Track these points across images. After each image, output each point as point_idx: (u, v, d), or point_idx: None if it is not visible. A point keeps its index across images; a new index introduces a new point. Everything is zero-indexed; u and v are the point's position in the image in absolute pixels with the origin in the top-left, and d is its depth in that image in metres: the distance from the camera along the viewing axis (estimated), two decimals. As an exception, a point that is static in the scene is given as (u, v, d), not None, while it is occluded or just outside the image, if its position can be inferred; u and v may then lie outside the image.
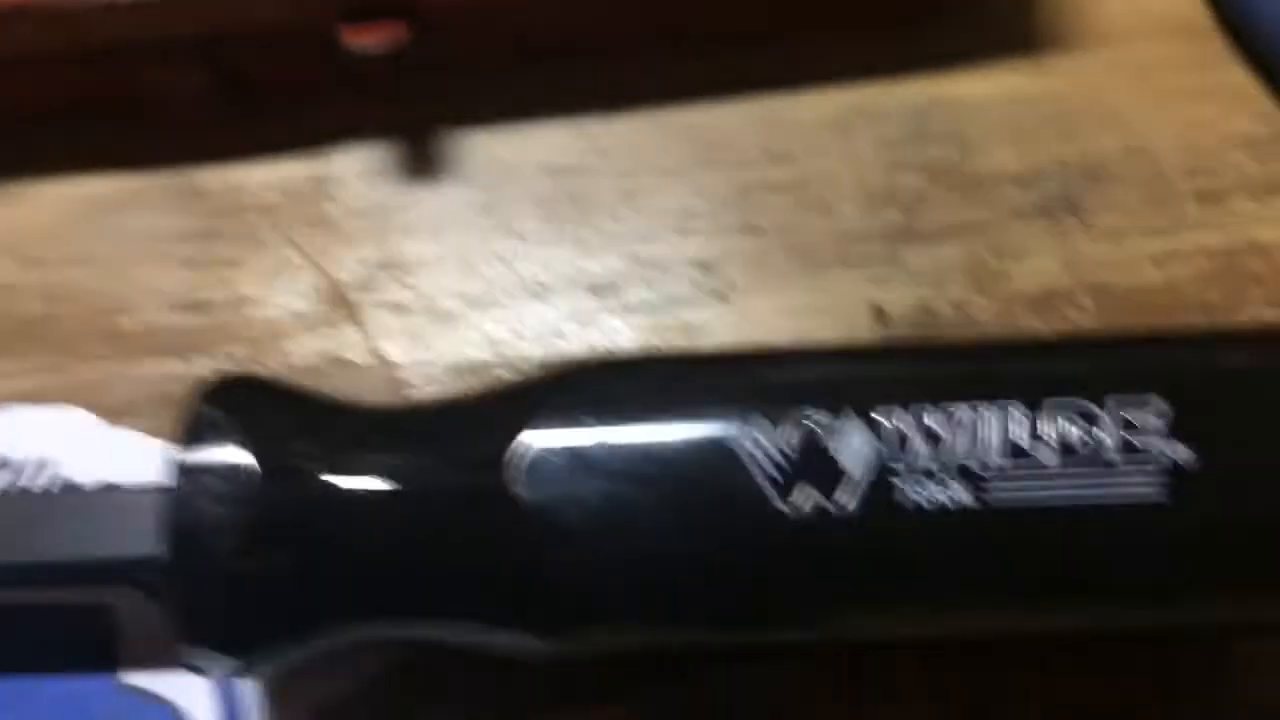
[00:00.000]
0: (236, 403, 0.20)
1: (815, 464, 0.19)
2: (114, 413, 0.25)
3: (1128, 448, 0.18)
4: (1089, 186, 0.26)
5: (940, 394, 0.19)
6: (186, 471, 0.19)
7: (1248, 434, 0.19)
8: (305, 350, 0.25)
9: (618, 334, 0.25)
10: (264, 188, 0.27)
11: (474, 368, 0.25)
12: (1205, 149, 0.26)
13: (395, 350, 0.25)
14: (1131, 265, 0.25)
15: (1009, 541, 0.19)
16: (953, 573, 0.19)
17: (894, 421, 0.19)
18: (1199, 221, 0.26)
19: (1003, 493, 0.18)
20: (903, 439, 0.19)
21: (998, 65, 0.27)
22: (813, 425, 0.19)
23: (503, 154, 0.27)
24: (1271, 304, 0.25)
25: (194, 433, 0.20)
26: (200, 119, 0.27)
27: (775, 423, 0.19)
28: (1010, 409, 0.19)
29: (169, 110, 0.27)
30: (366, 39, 0.24)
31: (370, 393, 0.25)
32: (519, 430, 0.19)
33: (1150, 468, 0.18)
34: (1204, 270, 0.25)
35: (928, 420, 0.19)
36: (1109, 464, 0.18)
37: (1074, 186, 0.26)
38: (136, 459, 0.24)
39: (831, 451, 0.19)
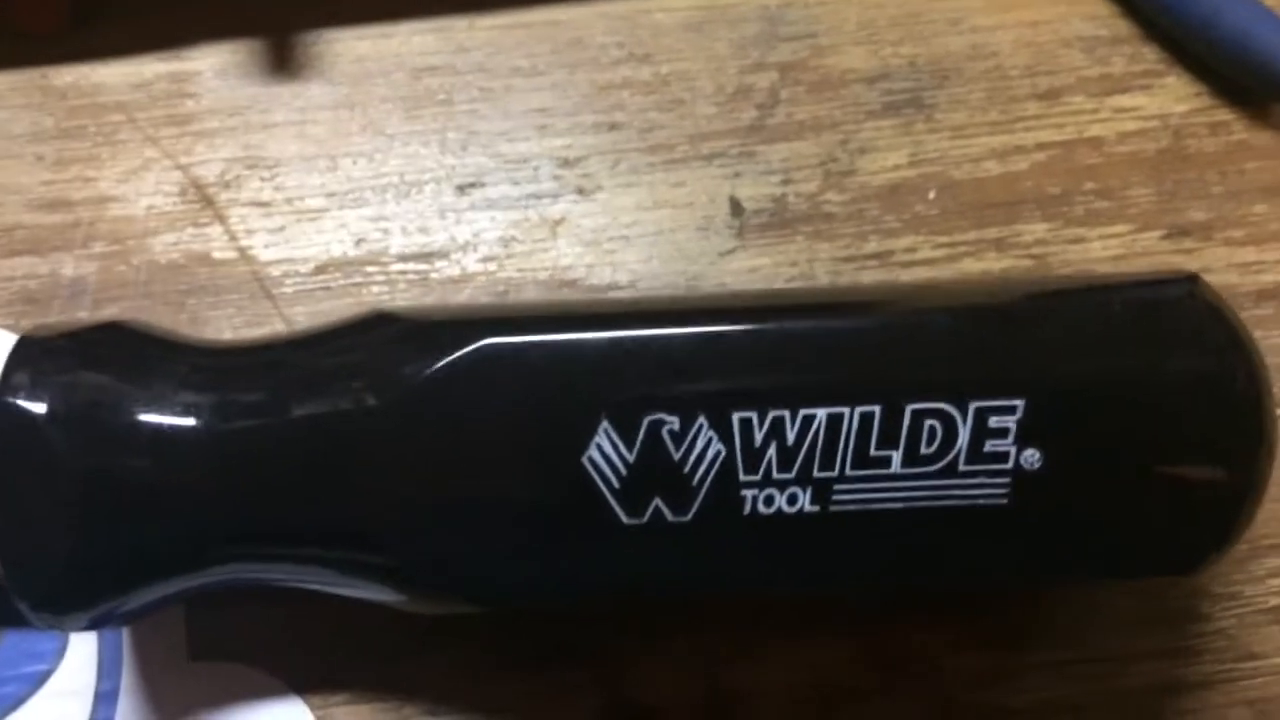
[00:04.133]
0: (38, 361, 0.20)
1: (661, 472, 0.18)
2: (-27, 311, 0.25)
3: (977, 454, 0.18)
4: (935, 85, 0.27)
5: (796, 397, 0.18)
6: None
7: (1093, 436, 0.19)
8: (168, 248, 0.25)
9: (482, 229, 0.26)
10: (122, 86, 0.27)
11: (340, 263, 0.25)
12: (1045, 49, 0.27)
13: (260, 247, 0.25)
14: (974, 160, 0.27)
15: (849, 545, 0.19)
16: (791, 574, 0.19)
17: (745, 425, 0.18)
18: (1038, 118, 0.27)
19: (847, 499, 0.18)
20: (751, 444, 0.18)
21: (848, -34, 0.28)
22: (662, 432, 0.18)
23: (365, 52, 0.27)
24: (1102, 196, 0.26)
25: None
26: (54, 18, 0.27)
27: (622, 430, 0.18)
28: (868, 412, 0.18)
29: (22, 10, 0.26)
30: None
31: (236, 289, 0.25)
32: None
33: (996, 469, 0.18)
34: (1041, 164, 0.27)
35: (779, 425, 0.18)
36: (957, 470, 0.18)
37: (921, 85, 0.27)
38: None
39: (678, 458, 0.18)
